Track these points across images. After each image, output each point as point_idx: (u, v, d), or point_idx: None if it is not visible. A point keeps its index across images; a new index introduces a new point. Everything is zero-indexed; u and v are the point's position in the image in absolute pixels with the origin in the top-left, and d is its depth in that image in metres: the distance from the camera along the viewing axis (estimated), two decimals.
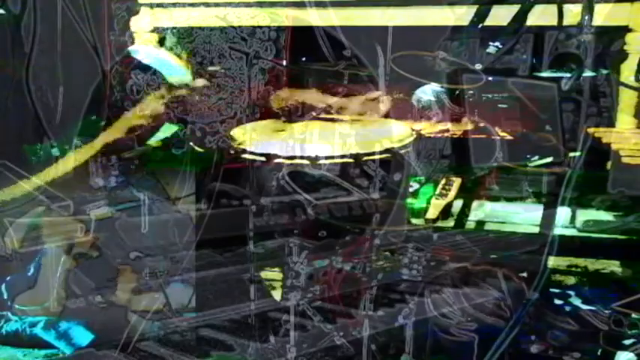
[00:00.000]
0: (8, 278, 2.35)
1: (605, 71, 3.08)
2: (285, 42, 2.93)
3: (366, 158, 2.82)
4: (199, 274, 2.45)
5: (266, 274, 2.58)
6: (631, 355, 2.53)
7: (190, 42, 2.84)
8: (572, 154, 3.16)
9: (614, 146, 3.02)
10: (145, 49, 2.78)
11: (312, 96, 2.98)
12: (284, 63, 2.99)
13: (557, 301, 2.78)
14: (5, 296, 2.33)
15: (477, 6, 2.96)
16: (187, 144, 2.81)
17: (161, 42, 2.87)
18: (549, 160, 3.19)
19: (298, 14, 2.91)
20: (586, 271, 2.87)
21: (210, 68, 2.78)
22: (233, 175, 2.76)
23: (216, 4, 2.89)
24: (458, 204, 3.14)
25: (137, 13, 2.79)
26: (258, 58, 2.89)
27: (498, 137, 3.17)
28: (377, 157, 2.82)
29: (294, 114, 2.91)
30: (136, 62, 2.70)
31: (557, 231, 2.96)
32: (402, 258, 2.79)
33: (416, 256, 2.81)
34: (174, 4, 2.95)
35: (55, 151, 2.49)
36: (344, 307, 2.42)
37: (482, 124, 3.14)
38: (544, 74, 3.17)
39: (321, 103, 2.97)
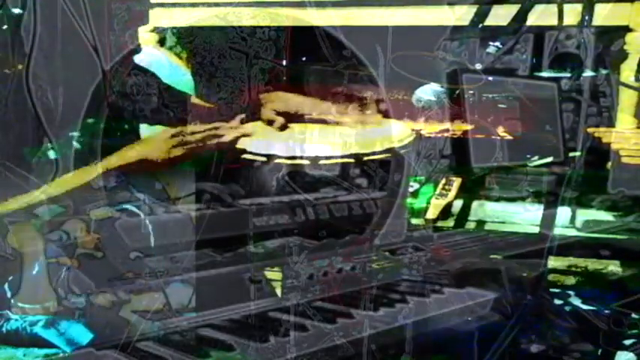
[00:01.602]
0: (10, 278, 2.35)
1: (605, 71, 3.08)
2: (285, 42, 2.93)
3: (366, 158, 2.82)
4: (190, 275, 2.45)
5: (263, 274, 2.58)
6: (631, 355, 2.53)
7: (190, 42, 2.84)
8: (572, 154, 3.16)
9: (614, 146, 3.02)
10: (145, 50, 2.78)
11: (309, 101, 2.98)
12: (284, 63, 2.99)
13: (558, 301, 2.78)
14: (6, 295, 2.33)
15: (477, 6, 2.96)
16: None
17: (161, 42, 2.87)
18: (549, 160, 3.19)
19: (298, 14, 2.91)
20: (586, 271, 2.87)
21: None
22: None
23: (217, 4, 2.89)
24: (458, 204, 3.14)
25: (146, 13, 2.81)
26: (258, 58, 2.89)
27: (498, 137, 3.17)
28: (377, 157, 2.82)
29: (289, 122, 2.90)
30: (136, 62, 2.70)
31: (557, 231, 2.96)
32: (401, 258, 2.79)
33: (416, 256, 2.81)
34: (174, 4, 2.95)
35: (54, 154, 2.49)
36: (344, 307, 2.42)
37: (482, 124, 3.14)
38: (544, 74, 3.17)
39: (320, 108, 2.96)
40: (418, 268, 2.77)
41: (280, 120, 2.85)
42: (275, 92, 2.91)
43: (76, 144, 2.54)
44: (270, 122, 2.85)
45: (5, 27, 2.43)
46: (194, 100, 2.81)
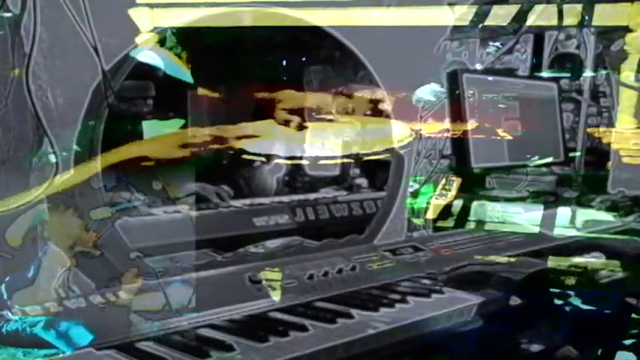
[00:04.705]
0: (8, 278, 2.35)
1: (605, 71, 3.08)
2: (285, 42, 2.93)
3: (366, 158, 2.81)
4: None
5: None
6: (631, 355, 2.54)
7: (191, 42, 2.84)
8: (572, 154, 3.16)
9: (614, 146, 3.03)
10: (144, 50, 2.78)
11: (315, 99, 2.97)
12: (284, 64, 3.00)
13: (558, 301, 2.78)
14: (5, 296, 2.33)
15: (476, 6, 2.96)
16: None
17: (161, 42, 2.87)
18: (549, 160, 3.20)
19: (298, 14, 2.91)
20: (586, 271, 2.87)
21: None
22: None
23: (217, 4, 2.88)
24: (458, 204, 3.14)
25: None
26: (260, 58, 2.89)
27: (498, 137, 3.17)
28: (377, 157, 2.82)
29: (303, 120, 2.90)
30: (136, 63, 2.70)
31: (557, 231, 2.96)
32: (401, 258, 2.80)
33: (415, 256, 2.82)
34: (174, 4, 2.95)
35: (53, 158, 2.49)
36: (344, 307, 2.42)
37: (482, 124, 3.14)
38: (544, 74, 3.17)
39: (325, 105, 2.96)
40: (418, 267, 2.77)
41: (297, 119, 2.85)
42: (286, 91, 2.91)
43: (75, 146, 2.54)
44: (286, 122, 2.85)
45: (5, 27, 2.43)
46: (195, 99, 2.81)
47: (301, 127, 2.92)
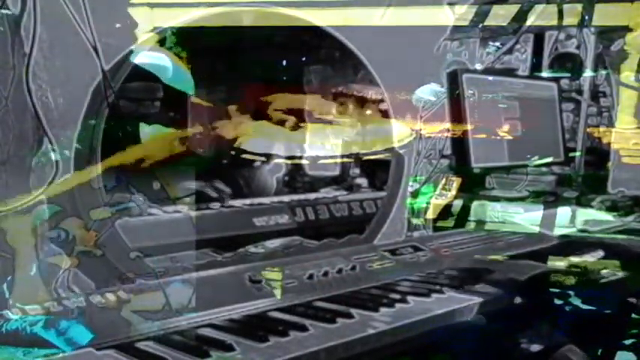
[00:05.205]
0: (9, 278, 2.35)
1: (605, 71, 3.08)
2: (285, 42, 2.93)
3: (366, 158, 2.81)
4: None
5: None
6: (631, 355, 2.54)
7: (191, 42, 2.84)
8: (572, 154, 3.16)
9: (614, 146, 3.03)
10: (144, 50, 2.78)
11: (315, 98, 2.98)
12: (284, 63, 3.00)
13: (558, 301, 2.78)
14: (5, 295, 2.33)
15: (476, 6, 2.96)
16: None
17: (161, 42, 2.87)
18: (549, 160, 3.20)
19: (298, 14, 2.91)
20: (586, 271, 2.87)
21: None
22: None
23: (217, 4, 2.88)
24: (458, 204, 3.14)
25: None
26: (259, 58, 2.89)
27: (498, 137, 3.17)
28: (377, 156, 2.82)
29: (299, 121, 2.90)
30: (136, 63, 2.70)
31: (557, 231, 2.96)
32: (401, 258, 2.80)
33: (415, 256, 2.82)
34: (174, 4, 2.95)
35: (55, 156, 2.49)
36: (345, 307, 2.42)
37: (482, 124, 3.14)
38: (544, 74, 3.17)
39: (323, 107, 2.96)
40: (418, 267, 2.77)
41: (293, 119, 2.85)
42: (280, 92, 2.91)
43: (76, 145, 2.54)
44: (281, 122, 2.85)
45: (5, 27, 2.44)
46: (194, 100, 2.81)
47: (300, 127, 2.92)
